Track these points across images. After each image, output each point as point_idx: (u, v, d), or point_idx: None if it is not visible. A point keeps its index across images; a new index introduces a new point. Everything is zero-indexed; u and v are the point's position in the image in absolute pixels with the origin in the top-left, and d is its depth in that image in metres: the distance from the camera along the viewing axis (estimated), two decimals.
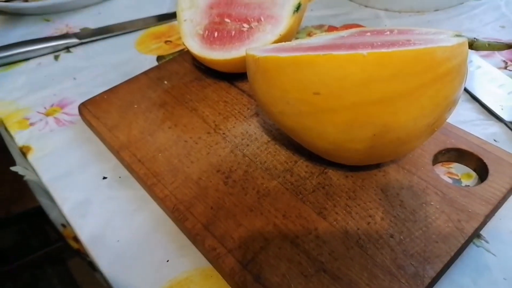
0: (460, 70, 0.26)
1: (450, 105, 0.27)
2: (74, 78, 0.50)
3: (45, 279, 1.20)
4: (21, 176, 0.56)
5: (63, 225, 0.64)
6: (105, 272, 0.31)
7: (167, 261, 0.30)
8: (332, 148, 0.28)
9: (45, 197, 0.57)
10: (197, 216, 0.31)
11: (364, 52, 0.23)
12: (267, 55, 0.27)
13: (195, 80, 0.44)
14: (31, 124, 0.44)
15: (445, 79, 0.25)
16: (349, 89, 0.24)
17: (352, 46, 0.26)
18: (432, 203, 0.30)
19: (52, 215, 0.63)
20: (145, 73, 0.46)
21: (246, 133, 0.38)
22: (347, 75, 0.24)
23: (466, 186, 0.31)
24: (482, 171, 0.32)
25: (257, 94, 0.30)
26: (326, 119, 0.26)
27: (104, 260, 0.31)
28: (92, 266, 0.64)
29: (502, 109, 0.38)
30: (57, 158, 0.40)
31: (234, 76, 0.43)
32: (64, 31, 0.60)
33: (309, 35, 0.54)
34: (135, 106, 0.41)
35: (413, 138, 0.27)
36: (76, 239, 0.66)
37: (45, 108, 0.46)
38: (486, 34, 0.50)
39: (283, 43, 0.32)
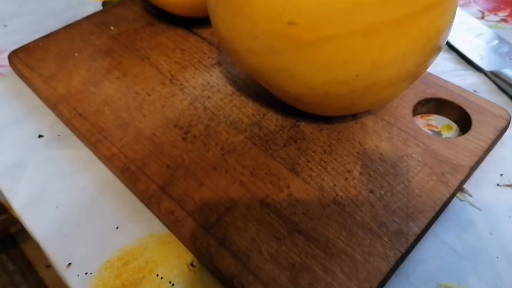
0: (453, 0, 0.22)
1: (440, 43, 0.23)
2: (5, 26, 0.43)
3: None
4: None
5: None
6: (42, 242, 0.26)
7: (117, 228, 0.26)
8: (308, 93, 0.24)
9: None
10: (151, 176, 0.27)
11: None
12: None
13: (147, 26, 0.39)
14: None
15: (439, 8, 0.21)
16: (330, 18, 0.20)
17: None
18: (413, 155, 0.27)
19: None
20: (88, 17, 0.40)
21: (208, 84, 0.33)
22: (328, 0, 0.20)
23: (448, 138, 0.29)
24: (463, 122, 0.30)
25: (219, 31, 0.25)
26: (302, 55, 0.22)
27: (40, 228, 0.26)
28: None
29: (481, 59, 0.36)
30: None
31: (192, 21, 0.38)
32: None
33: None
34: (76, 54, 0.36)
35: (399, 79, 0.23)
36: None
37: None
38: None
39: None
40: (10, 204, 0.28)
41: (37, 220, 0.27)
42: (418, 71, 0.25)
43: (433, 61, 0.25)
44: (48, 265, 1.09)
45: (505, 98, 0.33)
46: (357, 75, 0.22)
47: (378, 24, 0.20)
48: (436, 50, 0.24)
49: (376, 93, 0.24)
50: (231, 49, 0.25)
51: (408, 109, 0.30)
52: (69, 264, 0.25)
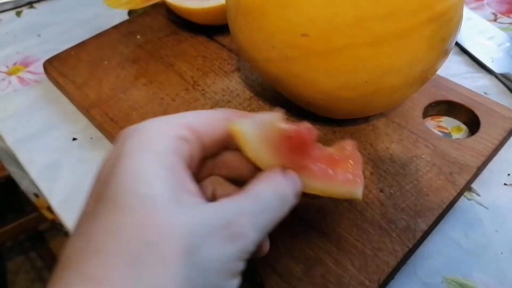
0: (457, 10, 0.24)
1: (445, 50, 0.25)
2: (39, 35, 0.46)
3: (22, 252, 1.18)
4: None
5: (36, 195, 0.61)
6: None
7: None
8: (321, 98, 0.26)
9: (14, 166, 0.54)
10: None
11: None
12: None
13: (171, 35, 0.41)
14: None
15: (442, 19, 0.23)
16: (340, 30, 0.22)
17: None
18: (423, 156, 0.29)
19: (23, 184, 0.60)
20: (116, 27, 0.42)
21: (227, 89, 0.35)
22: (338, 13, 0.21)
23: (457, 139, 0.30)
24: (473, 123, 0.31)
25: (239, 41, 0.27)
26: (315, 64, 0.24)
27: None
28: (68, 235, 0.62)
29: (492, 61, 0.37)
30: (23, 119, 0.37)
31: (212, 29, 0.40)
32: None
33: None
34: (105, 62, 0.38)
35: (406, 85, 0.25)
36: (50, 209, 0.63)
37: (7, 67, 0.42)
38: None
39: None
40: (49, 202, 0.31)
41: (73, 217, 0.30)
42: (425, 77, 0.26)
43: (440, 66, 0.27)
44: None
45: None
46: (366, 82, 0.24)
47: (384, 35, 0.22)
48: (441, 57, 0.25)
49: (385, 97, 0.26)
50: (249, 57, 0.27)
51: (419, 112, 0.31)
52: None
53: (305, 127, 0.23)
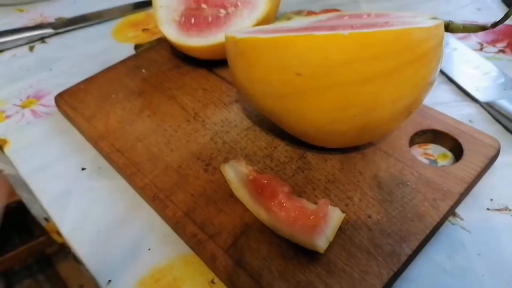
0: (436, 51, 0.26)
1: (427, 86, 0.27)
2: (50, 69, 0.49)
3: (30, 275, 1.19)
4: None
5: (46, 219, 0.63)
6: (87, 263, 0.30)
7: (149, 249, 0.30)
8: (313, 130, 0.28)
9: (26, 191, 0.56)
10: (177, 203, 0.31)
11: (345, 32, 0.23)
12: (247, 36, 0.27)
13: (174, 68, 0.44)
14: (7, 117, 0.43)
15: (423, 60, 0.25)
16: (330, 70, 0.24)
17: (332, 28, 0.26)
18: (408, 183, 0.30)
19: (34, 209, 0.62)
20: (123, 62, 0.45)
21: (226, 120, 0.37)
22: (328, 55, 0.24)
23: (442, 166, 0.32)
24: (457, 151, 0.33)
25: (237, 78, 0.30)
26: (308, 100, 0.26)
27: (85, 250, 0.31)
28: (76, 260, 0.64)
29: (477, 90, 0.39)
30: (35, 150, 0.39)
31: (212, 63, 0.43)
32: (38, 21, 0.58)
33: (288, 19, 0.54)
34: (113, 95, 0.41)
35: (392, 119, 0.27)
36: (59, 233, 0.65)
37: (21, 100, 0.45)
38: (462, 16, 0.51)
39: (263, 25, 0.32)
40: (58, 229, 0.33)
41: (82, 243, 0.32)
42: (409, 111, 0.28)
43: (424, 99, 0.29)
44: (82, 285, 1.14)
45: (499, 127, 0.36)
46: (355, 116, 0.26)
47: (371, 74, 0.24)
48: (424, 92, 0.27)
49: (373, 130, 0.28)
50: (247, 94, 0.30)
51: (405, 140, 0.33)
52: (109, 281, 0.29)
53: (272, 179, 0.28)
